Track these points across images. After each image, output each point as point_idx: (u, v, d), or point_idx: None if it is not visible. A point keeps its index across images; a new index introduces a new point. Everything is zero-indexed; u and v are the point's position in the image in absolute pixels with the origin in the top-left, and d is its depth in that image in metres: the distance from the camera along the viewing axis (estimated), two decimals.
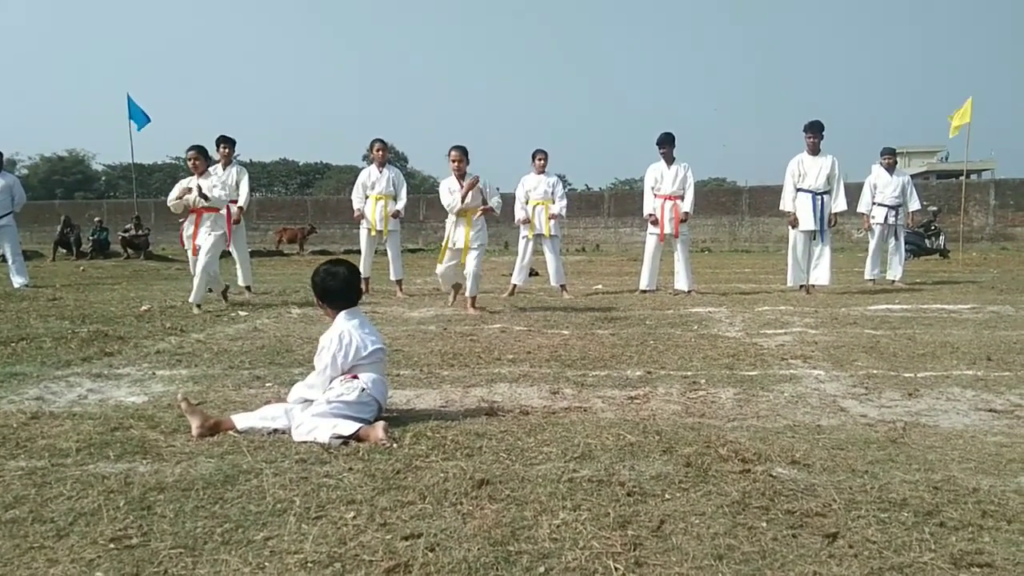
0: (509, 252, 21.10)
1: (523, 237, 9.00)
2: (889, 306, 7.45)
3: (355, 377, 3.04)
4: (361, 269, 6.17)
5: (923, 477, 2.43)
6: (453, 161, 7.36)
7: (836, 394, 3.70)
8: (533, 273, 9.96)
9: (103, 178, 62.54)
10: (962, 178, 18.06)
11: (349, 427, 2.81)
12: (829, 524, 2.05)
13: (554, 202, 8.86)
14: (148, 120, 16.90)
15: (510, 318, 6.61)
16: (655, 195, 8.95)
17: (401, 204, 8.87)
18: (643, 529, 2.03)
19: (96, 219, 20.56)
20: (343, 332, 3.12)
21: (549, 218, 8.80)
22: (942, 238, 16.93)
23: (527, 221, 8.87)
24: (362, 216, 8.89)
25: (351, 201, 9.11)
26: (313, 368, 3.16)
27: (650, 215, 8.97)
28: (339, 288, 3.21)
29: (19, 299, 8.20)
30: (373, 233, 8.84)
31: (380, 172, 8.87)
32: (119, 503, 2.21)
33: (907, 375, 4.12)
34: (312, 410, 2.91)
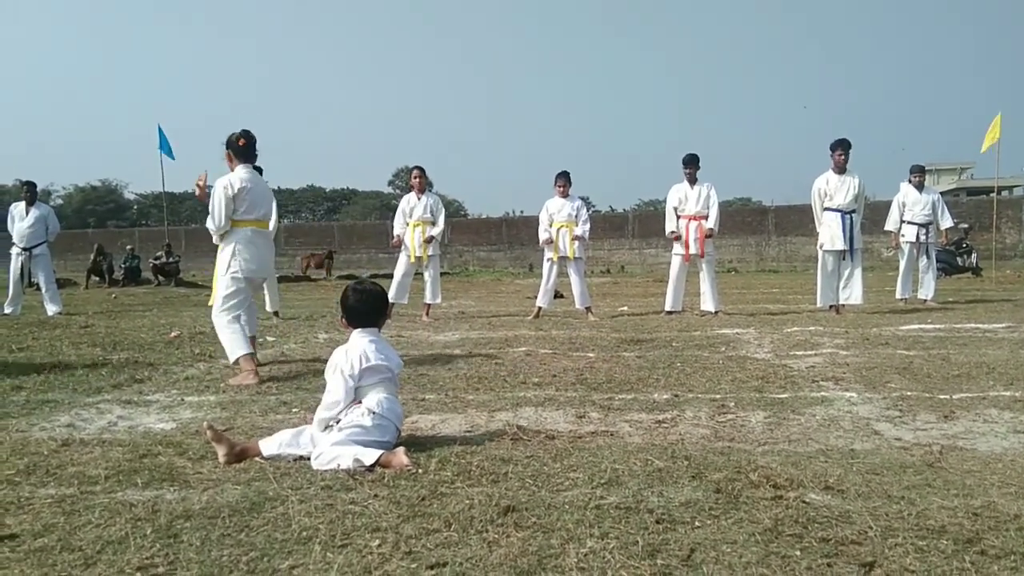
0: (534, 275, 21.11)
1: (547, 260, 9.02)
2: (922, 326, 7.31)
3: (359, 403, 3.04)
4: (390, 294, 6.19)
5: (962, 503, 2.36)
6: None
7: (869, 417, 3.62)
8: (558, 295, 9.95)
9: (135, 207, 63.83)
10: (993, 195, 17.74)
11: (371, 455, 2.79)
12: (865, 553, 1.99)
13: (577, 224, 8.87)
14: (171, 153, 17.31)
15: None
16: (679, 216, 8.94)
17: (437, 230, 8.97)
18: (673, 558, 1.98)
19: (128, 247, 20.96)
20: (352, 348, 3.16)
21: (573, 240, 8.81)
22: (974, 256, 16.65)
23: (551, 242, 8.88)
24: (401, 242, 9.00)
25: (378, 225, 9.26)
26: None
27: (672, 232, 8.94)
28: (359, 307, 3.28)
29: (52, 327, 8.34)
30: (412, 260, 8.91)
31: (419, 199, 8.99)
32: (146, 531, 2.21)
33: (942, 397, 4.03)
34: (331, 439, 2.91)
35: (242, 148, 5.12)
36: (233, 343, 4.92)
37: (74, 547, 2.11)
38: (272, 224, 9.24)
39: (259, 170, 9.36)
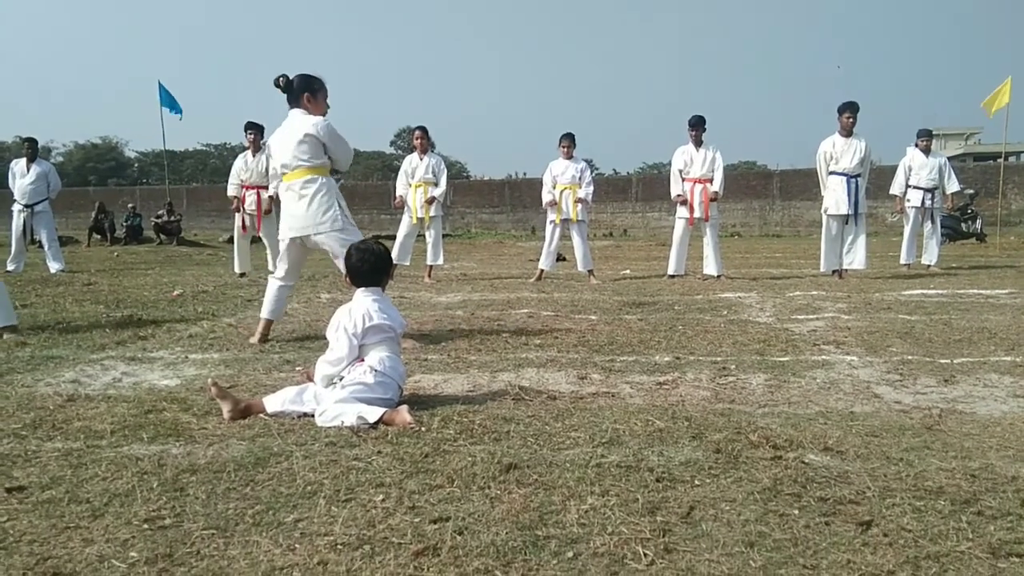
0: (536, 237, 21.05)
1: (550, 222, 8.98)
2: (924, 291, 7.30)
3: (362, 360, 3.06)
4: (392, 255, 6.20)
5: (960, 465, 2.38)
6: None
7: (870, 380, 3.64)
8: (560, 258, 9.93)
9: (136, 165, 63.46)
10: (1000, 160, 17.60)
11: (374, 413, 2.82)
12: (863, 512, 2.02)
13: (581, 187, 8.81)
14: (180, 110, 17.07)
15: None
16: (684, 179, 8.87)
17: (438, 191, 8.90)
18: (672, 515, 2.01)
19: (129, 205, 20.88)
20: (356, 306, 3.17)
21: (576, 202, 8.77)
22: (979, 222, 16.56)
23: (554, 204, 8.84)
24: (403, 203, 8.96)
25: (380, 186, 9.22)
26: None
27: (678, 196, 8.89)
28: (362, 267, 3.28)
29: (55, 284, 8.36)
30: (414, 221, 8.89)
31: (421, 160, 8.93)
32: (152, 484, 2.24)
33: (943, 361, 4.04)
34: (334, 396, 2.93)
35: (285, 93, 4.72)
36: (264, 302, 4.85)
37: (81, 499, 2.14)
38: (274, 186, 9.27)
39: (260, 129, 9.38)
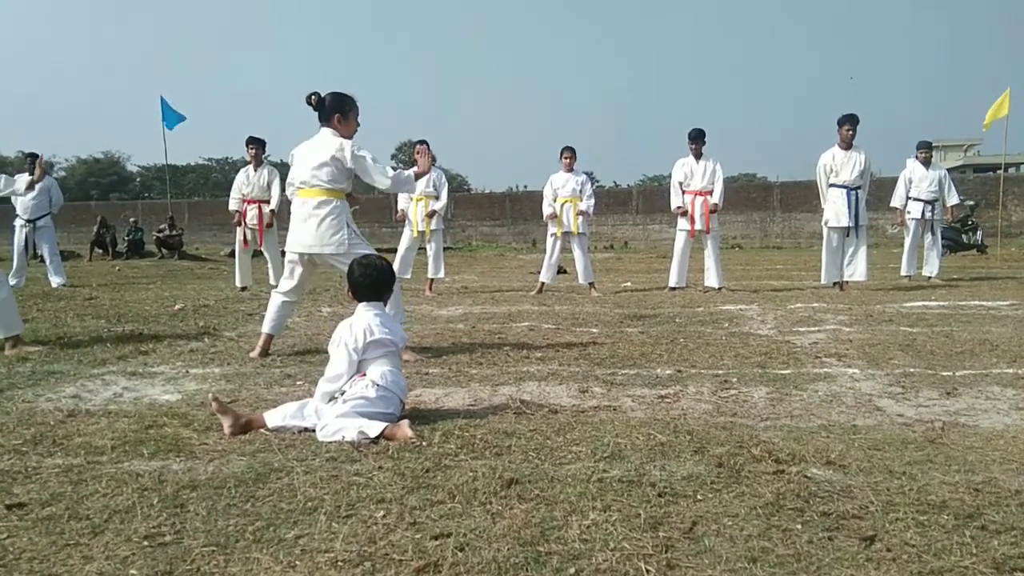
0: (537, 250, 21.06)
1: (551, 235, 8.99)
2: (926, 303, 7.30)
3: (363, 375, 3.06)
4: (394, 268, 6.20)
5: (963, 479, 2.37)
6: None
7: (872, 393, 3.63)
8: (561, 271, 9.93)
9: (138, 179, 63.61)
10: (1000, 172, 17.64)
11: (375, 427, 2.82)
12: (866, 527, 2.01)
13: (582, 199, 8.83)
14: (183, 118, 17.10)
15: (538, 317, 6.57)
16: (684, 191, 8.89)
17: (439, 204, 8.92)
18: (675, 531, 2.00)
19: (131, 220, 20.92)
20: (357, 321, 3.18)
21: (577, 215, 8.78)
22: (979, 233, 16.57)
23: (555, 217, 8.85)
24: (404, 216, 8.97)
25: (380, 199, 9.21)
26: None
27: (679, 207, 8.90)
28: (364, 282, 3.30)
29: (56, 298, 8.36)
30: (415, 234, 8.90)
31: None
32: (153, 501, 2.24)
33: (945, 373, 4.03)
34: (335, 411, 2.93)
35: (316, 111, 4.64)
36: (265, 316, 4.84)
37: (81, 516, 2.13)
38: (275, 200, 9.31)
39: (262, 143, 9.42)
